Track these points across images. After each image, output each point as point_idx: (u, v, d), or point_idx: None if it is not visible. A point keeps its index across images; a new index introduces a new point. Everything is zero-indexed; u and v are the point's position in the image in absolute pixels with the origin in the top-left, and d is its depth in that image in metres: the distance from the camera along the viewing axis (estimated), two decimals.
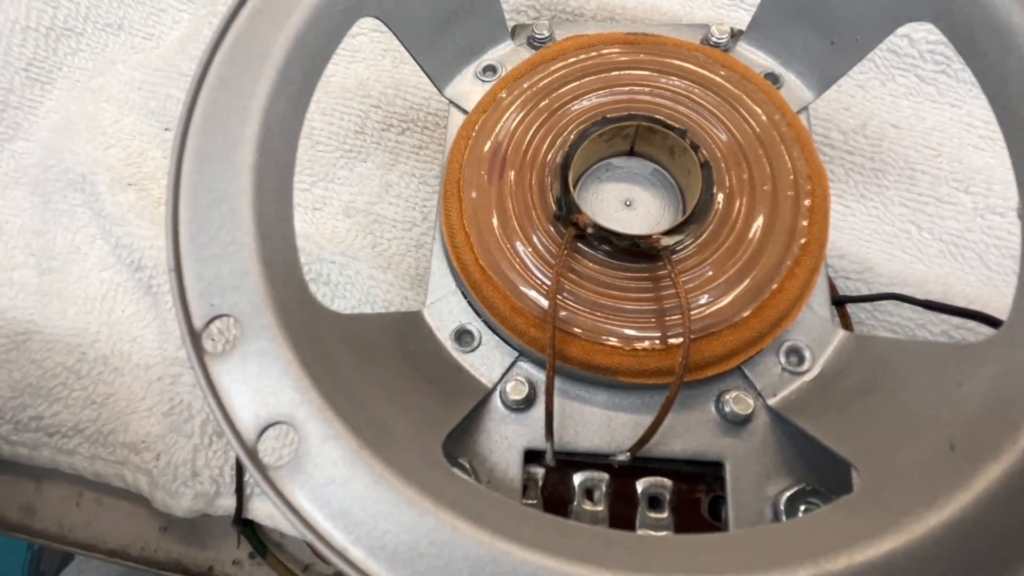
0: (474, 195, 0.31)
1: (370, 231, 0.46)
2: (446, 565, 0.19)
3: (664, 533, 0.28)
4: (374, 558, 0.19)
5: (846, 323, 0.36)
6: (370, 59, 0.51)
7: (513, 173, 0.31)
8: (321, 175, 0.47)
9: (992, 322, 0.32)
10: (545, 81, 0.33)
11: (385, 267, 0.44)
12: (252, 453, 0.21)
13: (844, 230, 0.43)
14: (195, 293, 0.23)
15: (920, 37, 0.47)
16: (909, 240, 0.43)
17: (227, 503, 0.40)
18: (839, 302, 0.36)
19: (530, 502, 0.28)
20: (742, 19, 0.49)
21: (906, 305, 0.39)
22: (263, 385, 0.21)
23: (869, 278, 0.41)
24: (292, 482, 0.20)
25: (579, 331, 0.28)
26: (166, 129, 0.49)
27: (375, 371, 0.26)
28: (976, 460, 0.20)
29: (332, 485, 0.20)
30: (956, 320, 0.40)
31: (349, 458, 0.20)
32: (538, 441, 0.28)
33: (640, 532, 0.28)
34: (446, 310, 0.31)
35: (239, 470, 0.40)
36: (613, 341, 0.27)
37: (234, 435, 0.21)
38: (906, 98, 0.47)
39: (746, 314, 0.28)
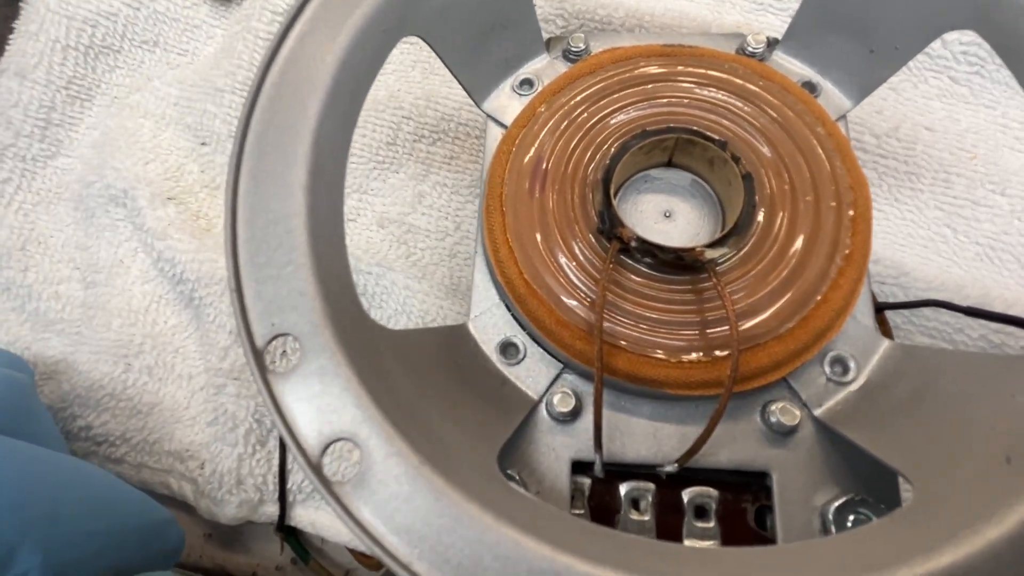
0: (516, 209, 0.31)
1: (404, 241, 0.46)
2: None
3: (711, 543, 0.28)
4: (439, 572, 0.19)
5: (885, 329, 0.36)
6: (400, 71, 0.51)
7: (555, 187, 0.31)
8: (355, 187, 0.48)
9: None
10: (583, 95, 0.33)
11: (420, 277, 0.44)
12: (317, 469, 0.21)
13: (879, 234, 0.43)
14: (256, 313, 0.24)
15: (953, 39, 0.46)
16: (945, 244, 0.43)
17: (270, 510, 0.41)
18: (879, 309, 0.35)
19: (577, 512, 0.28)
20: (771, 23, 0.49)
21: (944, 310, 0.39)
22: (325, 403, 0.22)
23: (905, 283, 0.41)
24: (357, 498, 0.21)
25: (625, 344, 0.28)
26: (203, 143, 0.50)
27: (428, 386, 0.26)
28: None
29: (396, 500, 0.21)
30: (995, 324, 0.39)
31: (411, 474, 0.21)
32: (585, 452, 0.29)
33: (688, 543, 0.28)
34: (490, 323, 0.31)
35: (282, 478, 0.41)
36: (659, 353, 0.28)
37: (299, 451, 0.21)
38: (939, 100, 0.47)
39: (791, 325, 0.28)
